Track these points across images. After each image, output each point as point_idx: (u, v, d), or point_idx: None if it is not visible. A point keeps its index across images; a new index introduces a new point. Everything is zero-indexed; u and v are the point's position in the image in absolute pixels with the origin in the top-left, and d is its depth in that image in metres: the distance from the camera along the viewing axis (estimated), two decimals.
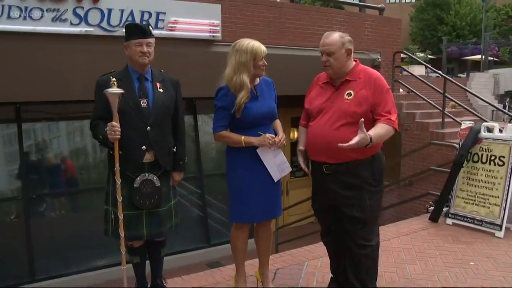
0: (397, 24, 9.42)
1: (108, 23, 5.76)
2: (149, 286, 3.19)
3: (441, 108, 7.69)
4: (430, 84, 8.29)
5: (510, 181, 4.62)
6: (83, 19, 5.63)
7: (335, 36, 2.79)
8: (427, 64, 9.75)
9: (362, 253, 2.82)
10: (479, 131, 4.93)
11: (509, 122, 9.25)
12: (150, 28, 2.90)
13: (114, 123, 2.70)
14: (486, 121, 5.93)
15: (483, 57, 27.12)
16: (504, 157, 4.70)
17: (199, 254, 7.80)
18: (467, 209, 4.85)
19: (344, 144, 2.55)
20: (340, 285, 3.12)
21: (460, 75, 30.78)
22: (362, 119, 2.56)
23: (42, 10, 5.34)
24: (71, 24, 5.56)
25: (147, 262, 3.16)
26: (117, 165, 2.76)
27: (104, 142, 2.80)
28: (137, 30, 2.86)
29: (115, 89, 2.68)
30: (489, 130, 4.92)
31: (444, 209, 5.07)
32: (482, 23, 29.47)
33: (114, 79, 2.70)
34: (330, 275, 3.24)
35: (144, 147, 2.84)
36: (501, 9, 37.04)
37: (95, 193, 7.23)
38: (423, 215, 5.51)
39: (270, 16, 7.34)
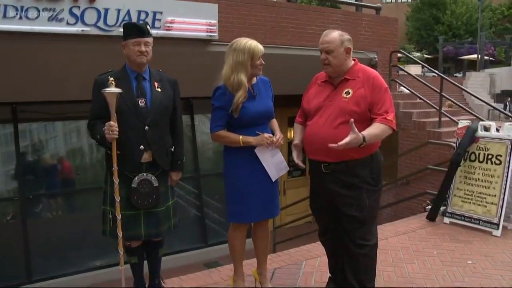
0: (394, 24, 9.44)
1: (105, 22, 5.74)
2: (147, 286, 3.18)
3: (437, 108, 7.70)
4: (427, 84, 8.31)
5: (507, 180, 4.64)
6: (80, 19, 5.60)
7: (335, 34, 2.80)
8: (424, 64, 9.76)
9: (360, 253, 2.82)
10: (476, 130, 4.94)
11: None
12: (148, 27, 2.89)
13: (112, 122, 2.69)
14: (483, 120, 5.95)
15: (479, 56, 27.20)
16: (501, 156, 4.72)
17: (196, 254, 7.78)
18: (465, 208, 4.86)
19: (334, 145, 2.56)
20: (338, 284, 3.12)
21: (456, 74, 30.88)
22: (352, 119, 2.57)
23: (38, 9, 5.31)
24: (68, 23, 5.54)
25: (145, 262, 3.15)
26: (115, 165, 2.75)
27: (102, 142, 2.79)
28: (135, 29, 2.85)
29: (113, 89, 2.67)
30: (486, 129, 4.94)
31: (442, 208, 5.08)
32: (478, 23, 29.56)
33: (112, 78, 2.69)
34: (328, 274, 3.24)
35: (142, 146, 2.83)
36: (496, 8, 37.16)
37: (92, 193, 7.21)
38: (421, 214, 5.52)
39: (267, 15, 7.33)
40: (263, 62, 2.95)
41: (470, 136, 4.93)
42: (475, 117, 7.48)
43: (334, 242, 3.04)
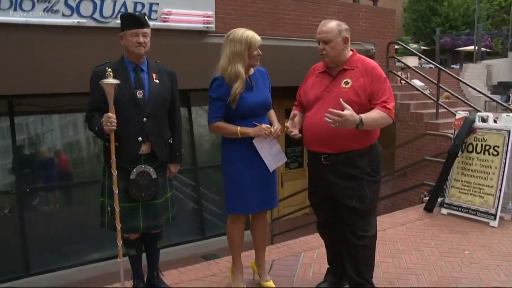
0: (391, 15, 9.42)
1: (101, 14, 5.71)
2: (145, 278, 3.18)
3: (435, 99, 7.70)
4: (424, 75, 8.30)
5: (505, 171, 4.65)
6: (75, 10, 5.56)
7: (332, 24, 2.78)
8: (421, 55, 9.74)
9: (360, 244, 2.82)
10: (473, 121, 4.95)
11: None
12: (146, 18, 2.86)
13: (110, 114, 2.67)
14: (480, 112, 5.95)
15: (476, 48, 27.16)
16: (498, 147, 4.72)
17: (194, 247, 7.79)
18: (462, 199, 4.88)
19: (329, 120, 2.52)
20: (336, 275, 3.12)
21: (453, 66, 30.82)
22: (341, 98, 2.57)
23: (33, 1, 5.28)
24: (63, 15, 5.50)
25: (144, 254, 3.15)
26: (113, 156, 2.74)
27: (100, 134, 2.77)
28: (133, 20, 2.82)
29: (111, 80, 2.64)
30: (484, 120, 4.94)
31: (439, 199, 5.10)
32: (475, 14, 29.47)
33: (110, 69, 2.66)
34: (327, 265, 3.25)
35: (140, 138, 2.81)
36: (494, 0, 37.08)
37: (89, 186, 7.21)
38: (418, 205, 5.53)
39: (264, 6, 7.30)
40: (260, 53, 2.93)
41: (468, 127, 4.93)
42: (472, 109, 7.49)
43: (333, 233, 3.04)
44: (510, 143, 4.65)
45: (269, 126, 2.93)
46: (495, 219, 4.58)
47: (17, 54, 5.63)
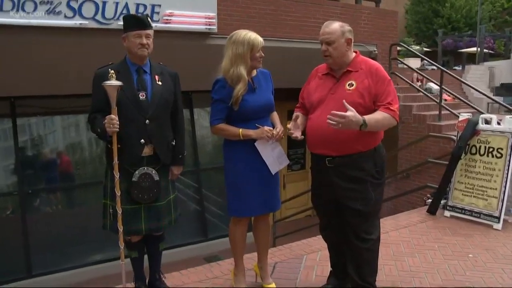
0: (394, 16, 9.41)
1: (103, 16, 5.71)
2: (147, 280, 3.16)
3: (437, 101, 7.68)
4: (427, 77, 8.29)
5: (508, 173, 4.62)
6: (77, 12, 5.57)
7: (335, 25, 2.76)
8: (424, 57, 9.73)
9: (363, 247, 2.80)
10: (477, 123, 4.92)
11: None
12: (149, 19, 2.85)
13: (112, 116, 2.66)
14: (483, 113, 5.92)
15: (479, 49, 27.12)
16: (502, 149, 4.70)
17: (196, 248, 7.77)
18: (465, 201, 4.85)
19: (332, 122, 2.50)
20: (339, 278, 3.10)
21: (455, 67, 30.79)
22: (346, 100, 2.55)
23: (35, 2, 5.28)
24: (65, 17, 5.51)
25: (145, 256, 3.13)
26: (115, 159, 2.72)
27: (102, 136, 2.76)
28: (136, 21, 2.81)
29: (113, 82, 2.64)
30: (487, 122, 4.92)
31: (442, 202, 5.07)
32: (478, 16, 29.45)
33: (112, 71, 2.66)
34: (329, 268, 3.23)
35: (142, 140, 2.80)
36: (496, 1, 37.02)
37: (91, 187, 7.19)
38: (421, 207, 5.51)
39: (266, 8, 7.30)
40: (263, 55, 2.91)
41: (471, 129, 4.91)
42: (475, 110, 7.46)
43: (336, 236, 3.02)
44: None
45: (271, 128, 2.91)
46: (499, 221, 4.55)
47: (19, 55, 5.63)
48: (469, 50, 30.80)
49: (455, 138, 5.39)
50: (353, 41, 2.81)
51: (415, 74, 9.91)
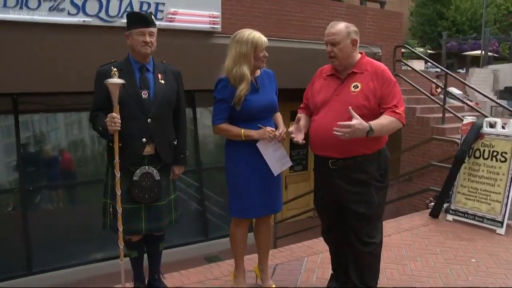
0: (398, 18, 9.37)
1: (107, 13, 5.69)
2: (146, 280, 3.14)
3: (441, 103, 7.64)
4: (431, 79, 8.25)
5: None
6: (81, 9, 5.55)
7: (341, 26, 2.73)
8: (428, 59, 9.67)
9: (365, 250, 2.77)
10: (481, 127, 4.89)
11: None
12: (153, 17, 2.83)
13: (114, 114, 2.63)
14: (487, 117, 5.89)
15: (483, 52, 27.02)
16: (506, 153, 4.66)
17: (197, 248, 7.76)
18: (468, 205, 4.82)
19: (339, 130, 2.46)
20: (340, 281, 3.07)
21: (459, 70, 30.69)
22: (350, 106, 2.51)
23: None
24: (69, 14, 5.48)
25: (145, 255, 3.11)
26: (116, 157, 2.70)
27: (103, 134, 2.74)
28: (139, 19, 2.78)
29: (116, 79, 2.61)
30: (491, 125, 4.88)
31: (445, 205, 5.04)
32: (483, 19, 29.32)
33: (115, 69, 2.63)
34: (330, 271, 3.20)
35: (144, 139, 2.78)
36: (501, 4, 36.87)
37: (93, 185, 7.18)
38: (423, 211, 5.48)
39: (270, 8, 7.27)
40: (267, 55, 2.89)
41: (475, 132, 4.87)
42: (479, 113, 7.42)
43: (338, 239, 2.99)
44: None
45: (273, 129, 2.88)
46: (502, 226, 4.51)
47: (22, 52, 5.62)
48: (473, 53, 30.68)
49: (458, 141, 5.35)
50: (358, 42, 2.78)
51: (433, 85, 9.68)
